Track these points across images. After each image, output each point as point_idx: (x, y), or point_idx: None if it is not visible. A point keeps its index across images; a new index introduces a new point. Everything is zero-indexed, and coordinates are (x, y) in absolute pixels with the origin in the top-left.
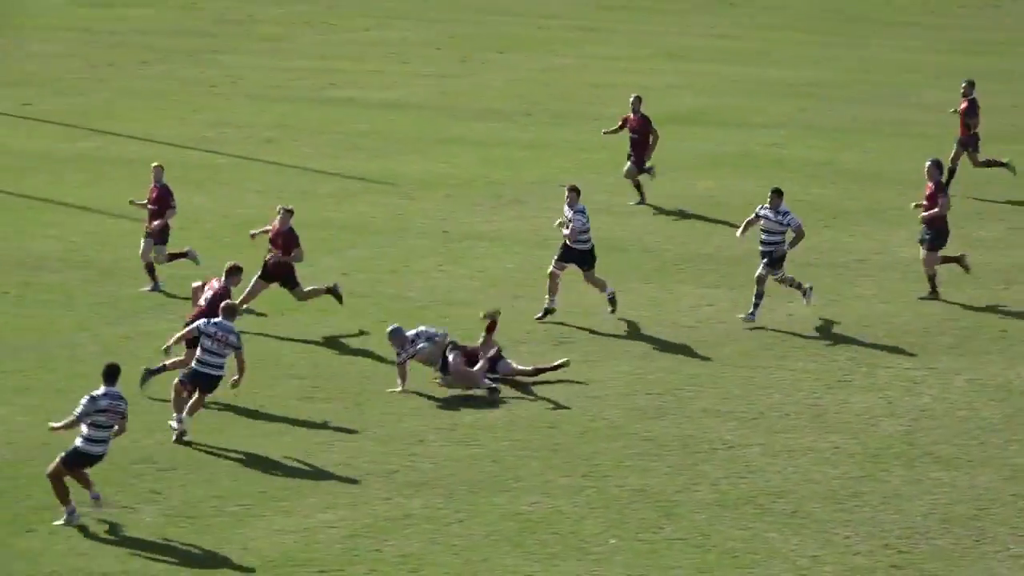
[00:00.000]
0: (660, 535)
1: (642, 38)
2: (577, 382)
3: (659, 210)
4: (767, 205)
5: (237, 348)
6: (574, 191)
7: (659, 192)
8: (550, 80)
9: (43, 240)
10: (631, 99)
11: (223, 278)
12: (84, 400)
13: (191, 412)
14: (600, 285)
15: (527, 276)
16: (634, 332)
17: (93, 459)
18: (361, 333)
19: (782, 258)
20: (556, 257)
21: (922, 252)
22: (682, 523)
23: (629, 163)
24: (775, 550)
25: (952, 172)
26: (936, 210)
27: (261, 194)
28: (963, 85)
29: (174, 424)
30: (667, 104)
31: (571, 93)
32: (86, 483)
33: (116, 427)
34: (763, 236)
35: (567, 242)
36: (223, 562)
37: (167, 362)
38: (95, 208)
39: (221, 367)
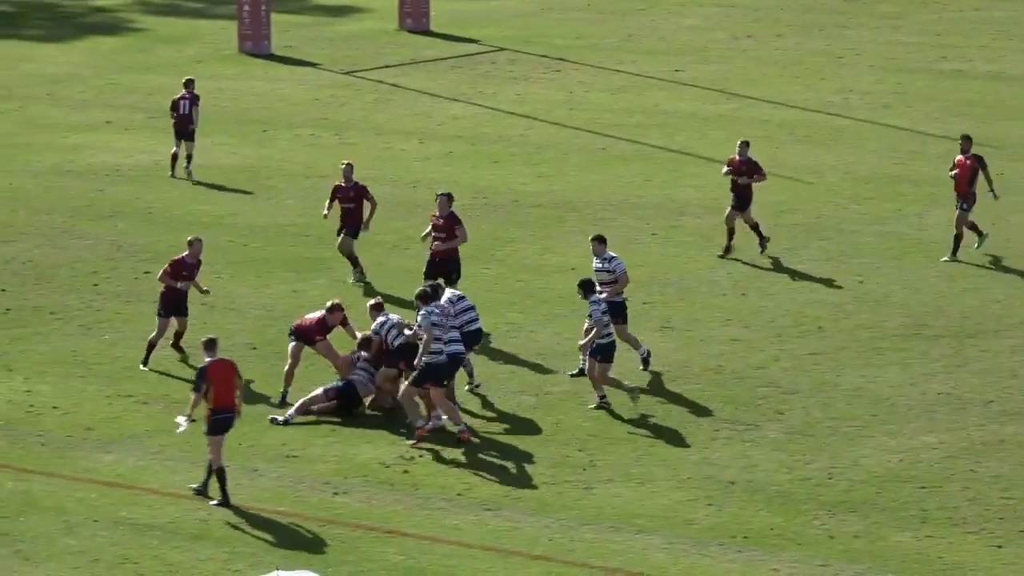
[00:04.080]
0: None
1: None
2: None
3: None
4: None
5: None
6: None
7: None
8: None
9: (686, 189)
10: (343, 166)
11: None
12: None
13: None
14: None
15: None
16: None
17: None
18: (965, 276)
19: None
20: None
21: None
22: None
23: (344, 235)
24: None
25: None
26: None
27: (876, 153)
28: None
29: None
30: None
31: None
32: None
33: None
34: None
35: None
36: (836, 474)
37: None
38: None
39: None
